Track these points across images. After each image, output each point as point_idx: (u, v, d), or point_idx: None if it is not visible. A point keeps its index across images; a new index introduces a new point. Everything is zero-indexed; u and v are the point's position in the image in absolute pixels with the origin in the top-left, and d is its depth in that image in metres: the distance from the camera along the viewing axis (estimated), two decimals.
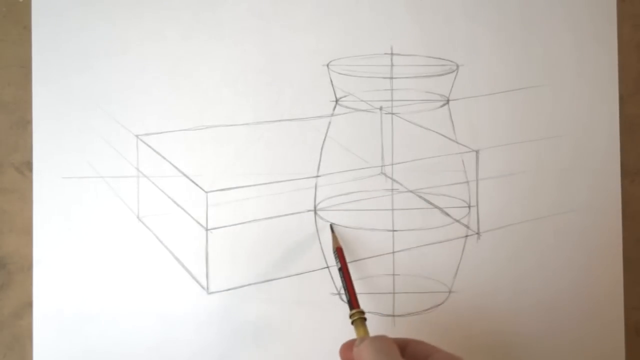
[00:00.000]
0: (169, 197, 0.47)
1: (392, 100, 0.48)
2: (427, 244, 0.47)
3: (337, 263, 0.44)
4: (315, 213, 0.47)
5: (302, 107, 0.48)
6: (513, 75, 0.48)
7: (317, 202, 0.47)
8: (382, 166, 0.48)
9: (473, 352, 0.47)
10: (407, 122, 0.48)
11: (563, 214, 0.48)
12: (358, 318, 0.39)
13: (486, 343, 0.47)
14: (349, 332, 0.47)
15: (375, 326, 0.47)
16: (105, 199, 0.46)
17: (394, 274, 0.47)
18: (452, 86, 0.48)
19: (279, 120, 0.47)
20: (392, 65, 0.48)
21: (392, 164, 0.48)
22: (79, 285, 0.46)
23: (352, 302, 0.41)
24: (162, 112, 0.47)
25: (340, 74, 0.48)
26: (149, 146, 0.47)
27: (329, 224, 0.47)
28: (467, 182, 0.48)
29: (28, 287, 0.46)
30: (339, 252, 0.44)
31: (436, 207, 0.48)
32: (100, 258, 0.46)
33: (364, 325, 0.39)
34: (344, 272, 0.43)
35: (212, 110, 0.47)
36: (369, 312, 0.47)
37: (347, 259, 0.46)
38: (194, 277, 0.46)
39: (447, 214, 0.48)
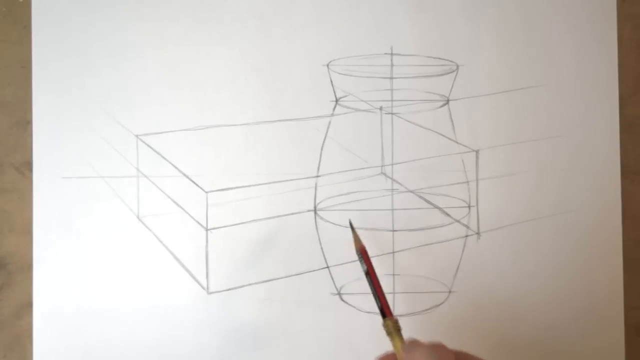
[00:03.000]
0: (169, 197, 0.47)
1: (392, 100, 0.48)
2: (427, 244, 0.47)
3: (362, 266, 0.39)
4: (315, 213, 0.47)
5: (302, 107, 0.48)
6: (513, 75, 0.48)
7: (317, 202, 0.47)
8: (382, 166, 0.48)
9: (473, 352, 0.47)
10: (407, 122, 0.48)
11: (563, 214, 0.48)
12: (394, 329, 0.36)
13: (486, 343, 0.47)
14: (349, 332, 0.47)
15: (375, 326, 0.47)
16: (105, 199, 0.46)
17: (394, 274, 0.47)
18: (452, 86, 0.48)
19: (279, 120, 0.47)
20: (392, 65, 0.48)
21: (392, 164, 0.48)
22: (79, 285, 0.46)
23: (384, 309, 0.36)
24: (162, 112, 0.47)
25: (340, 74, 0.48)
26: (149, 146, 0.47)
27: (348, 220, 0.43)
28: (467, 182, 0.48)
29: (28, 287, 0.46)
30: (362, 254, 0.39)
31: (436, 207, 0.48)
32: (100, 258, 0.46)
33: (400, 335, 0.36)
34: (372, 275, 0.37)
35: (212, 110, 0.47)
36: (368, 312, 0.47)
37: (347, 260, 0.46)
38: (194, 277, 0.46)
39: (447, 214, 0.48)
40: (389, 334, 0.36)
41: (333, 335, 0.47)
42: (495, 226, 0.48)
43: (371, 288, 0.38)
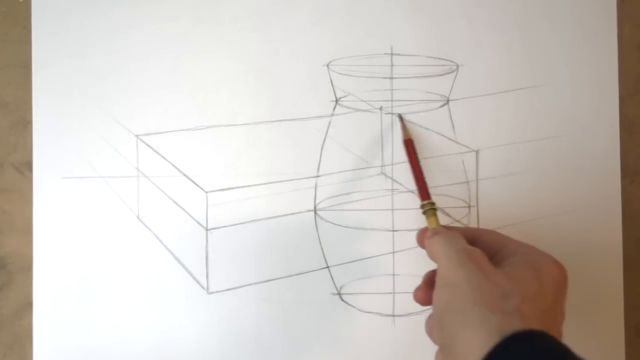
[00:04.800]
0: (169, 197, 0.47)
1: (392, 100, 0.48)
2: None
3: (406, 156, 0.45)
4: (315, 213, 0.47)
5: (302, 107, 0.48)
6: (513, 75, 0.48)
7: (317, 202, 0.47)
8: (382, 166, 0.48)
9: None
10: (407, 122, 0.48)
11: (563, 214, 0.48)
12: (429, 209, 0.41)
13: None
14: (349, 332, 0.47)
15: (375, 326, 0.47)
16: (105, 199, 0.46)
17: (394, 274, 0.47)
18: (452, 86, 0.48)
19: (279, 120, 0.47)
20: (392, 65, 0.48)
21: (392, 164, 0.48)
22: (79, 285, 0.46)
23: (422, 194, 0.42)
24: (162, 112, 0.47)
25: (340, 74, 0.48)
26: (149, 146, 0.47)
27: (397, 115, 0.47)
28: (467, 182, 0.48)
29: (28, 287, 0.46)
30: (407, 145, 0.45)
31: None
32: (100, 258, 0.46)
33: (435, 216, 0.41)
34: (413, 165, 0.44)
35: (212, 110, 0.47)
36: (368, 312, 0.47)
37: (347, 259, 0.46)
38: (194, 277, 0.46)
39: (447, 214, 0.48)
40: (424, 213, 0.41)
41: (333, 335, 0.47)
42: (495, 226, 0.48)
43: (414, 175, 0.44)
